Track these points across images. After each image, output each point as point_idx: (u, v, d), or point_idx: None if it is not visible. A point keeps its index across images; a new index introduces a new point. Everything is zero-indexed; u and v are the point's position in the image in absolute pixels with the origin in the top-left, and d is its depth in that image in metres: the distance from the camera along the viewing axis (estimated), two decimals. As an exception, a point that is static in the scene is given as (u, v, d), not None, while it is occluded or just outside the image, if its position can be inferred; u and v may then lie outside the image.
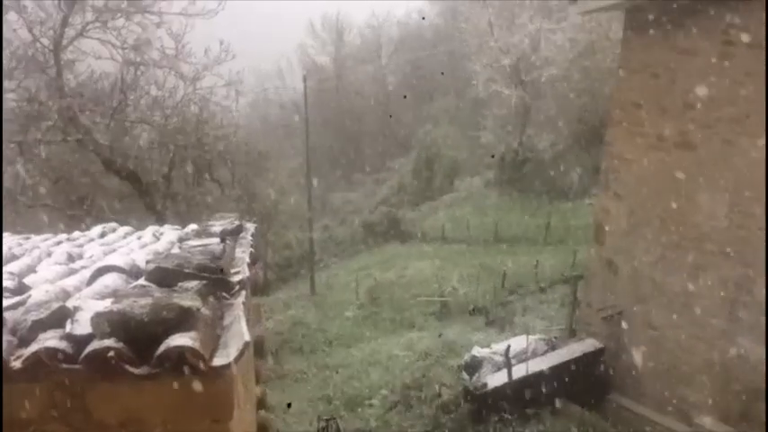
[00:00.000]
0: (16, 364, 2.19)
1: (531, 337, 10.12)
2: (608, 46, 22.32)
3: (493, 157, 31.87)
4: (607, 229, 9.32)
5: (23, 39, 15.26)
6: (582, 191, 25.75)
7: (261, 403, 5.18)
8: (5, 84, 14.76)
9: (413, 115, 46.20)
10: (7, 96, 15.07)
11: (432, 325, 15.87)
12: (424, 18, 43.66)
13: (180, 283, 2.71)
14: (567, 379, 8.85)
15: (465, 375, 10.28)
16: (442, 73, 41.01)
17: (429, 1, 53.96)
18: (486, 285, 17.50)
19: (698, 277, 7.70)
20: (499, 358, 9.58)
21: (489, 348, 10.36)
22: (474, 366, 10.06)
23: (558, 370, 8.96)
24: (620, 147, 9.00)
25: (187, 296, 2.43)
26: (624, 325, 8.88)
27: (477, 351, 10.33)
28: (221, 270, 3.09)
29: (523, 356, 9.36)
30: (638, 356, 8.59)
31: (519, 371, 8.95)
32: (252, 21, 45.75)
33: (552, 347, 9.85)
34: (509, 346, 9.42)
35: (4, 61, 14.74)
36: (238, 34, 19.76)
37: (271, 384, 12.55)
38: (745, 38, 6.88)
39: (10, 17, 15.04)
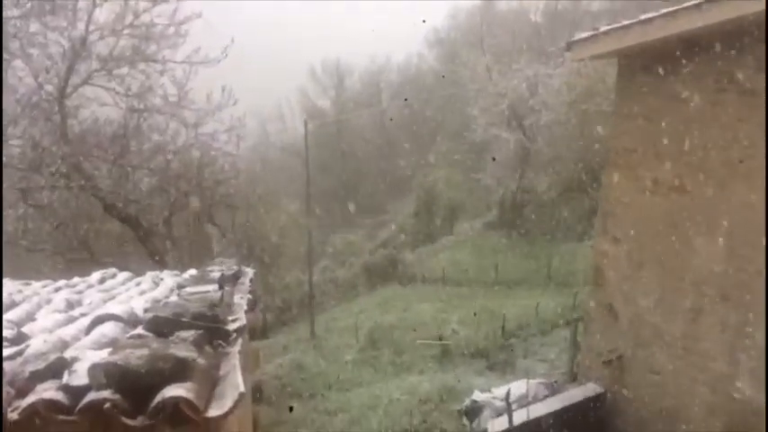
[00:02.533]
0: (13, 416, 2.21)
1: (531, 381, 10.04)
2: (604, 90, 22.63)
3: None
4: (606, 272, 9.34)
5: (29, 86, 15.54)
6: (581, 233, 25.81)
7: (258, 451, 5.15)
8: (10, 131, 14.98)
9: (413, 158, 46.65)
10: (12, 143, 15.29)
11: (432, 368, 15.72)
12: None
13: (177, 333, 2.74)
14: (568, 424, 8.74)
15: (465, 421, 10.16)
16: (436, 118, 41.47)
17: (428, 46, 55.07)
18: (487, 328, 17.40)
19: (697, 321, 7.68)
20: (500, 403, 9.49)
21: (490, 393, 10.26)
22: (474, 411, 9.96)
23: (559, 415, 8.86)
24: (617, 190, 9.08)
25: (183, 346, 2.46)
26: (625, 369, 8.82)
27: (478, 396, 10.23)
28: (218, 319, 3.12)
29: (524, 401, 9.27)
30: (639, 401, 8.51)
31: (520, 416, 8.85)
32: (253, 66, 46.52)
33: (553, 392, 9.77)
34: (509, 391, 9.34)
35: (10, 108, 15.01)
36: (240, 79, 20.08)
37: (269, 430, 12.39)
38: (736, 85, 7.02)
39: (16, 64, 15.35)
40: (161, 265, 14.47)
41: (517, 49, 32.71)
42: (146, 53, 16.37)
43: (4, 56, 14.81)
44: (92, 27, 15.86)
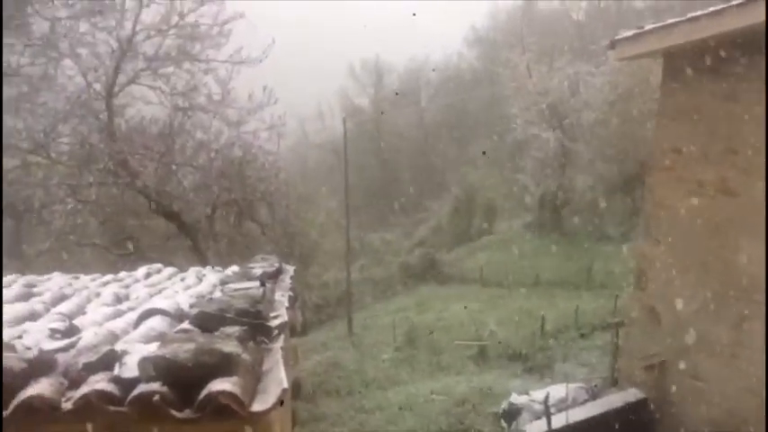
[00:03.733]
0: (67, 406, 2.30)
1: (570, 385, 9.93)
2: (648, 90, 22.18)
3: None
4: (649, 275, 9.17)
5: (78, 84, 16.04)
6: (622, 235, 25.35)
7: (297, 447, 5.21)
8: (60, 128, 15.50)
9: (451, 157, 46.42)
10: (61, 140, 15.84)
11: (469, 369, 15.66)
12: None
13: (222, 328, 2.81)
14: (608, 430, 8.61)
15: (503, 423, 10.11)
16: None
17: (467, 45, 54.74)
18: (525, 330, 17.24)
19: (743, 327, 7.50)
20: (538, 406, 9.41)
21: (528, 396, 10.19)
22: (512, 414, 9.90)
23: (598, 420, 8.73)
24: (661, 192, 8.91)
25: (228, 342, 2.52)
26: (667, 375, 8.65)
27: (516, 398, 10.17)
28: (261, 315, 3.18)
29: (563, 405, 9.17)
30: (682, 408, 8.34)
31: (558, 420, 8.76)
32: (294, 65, 46.92)
33: (593, 396, 9.65)
34: (548, 394, 9.25)
35: (60, 106, 15.54)
36: (280, 78, 20.31)
37: (307, 427, 12.52)
38: (786, 84, 6.83)
39: (66, 63, 15.89)
40: (203, 261, 14.74)
41: (558, 49, 32.26)
42: (190, 53, 16.74)
43: (54, 54, 15.35)
44: (138, 27, 16.30)
